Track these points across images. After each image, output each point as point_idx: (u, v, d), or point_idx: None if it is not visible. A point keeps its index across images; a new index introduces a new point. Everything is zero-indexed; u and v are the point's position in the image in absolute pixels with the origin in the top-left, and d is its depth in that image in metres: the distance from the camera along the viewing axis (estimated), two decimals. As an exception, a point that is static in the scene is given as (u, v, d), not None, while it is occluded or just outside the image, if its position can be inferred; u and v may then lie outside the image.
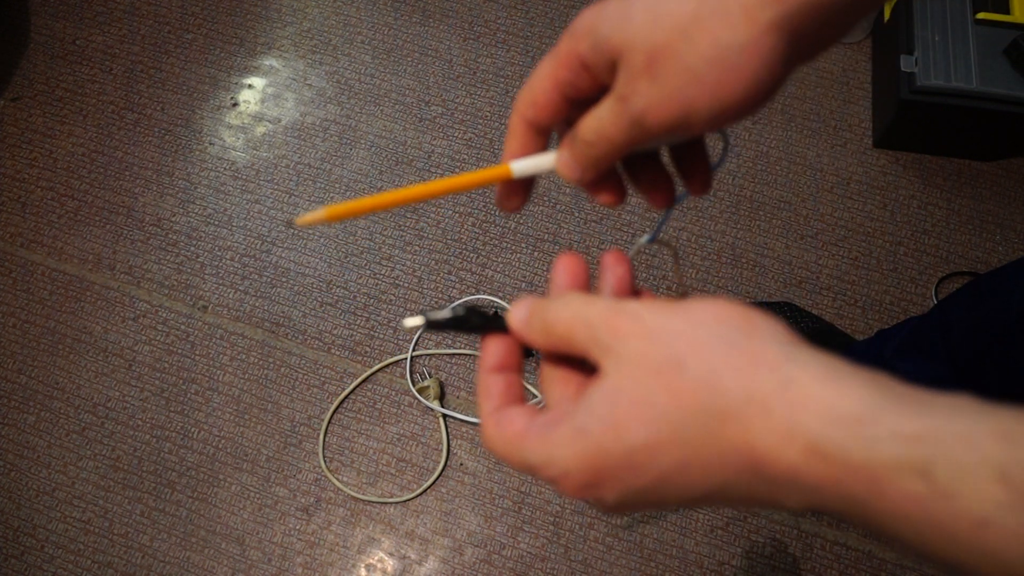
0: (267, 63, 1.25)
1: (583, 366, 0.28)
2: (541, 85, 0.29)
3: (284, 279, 1.12)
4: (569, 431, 0.25)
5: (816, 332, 0.99)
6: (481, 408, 0.30)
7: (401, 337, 1.08)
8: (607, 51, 0.27)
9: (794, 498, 0.22)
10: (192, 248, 1.14)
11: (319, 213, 0.28)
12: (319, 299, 1.10)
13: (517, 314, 0.30)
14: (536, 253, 1.12)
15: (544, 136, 0.31)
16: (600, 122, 0.28)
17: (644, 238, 0.35)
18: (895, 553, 0.96)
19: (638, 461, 0.23)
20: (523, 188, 0.33)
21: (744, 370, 0.22)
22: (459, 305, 0.32)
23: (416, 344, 1.07)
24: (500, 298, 1.09)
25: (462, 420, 1.02)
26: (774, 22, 0.24)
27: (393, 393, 1.05)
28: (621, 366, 0.24)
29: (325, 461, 1.02)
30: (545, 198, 1.15)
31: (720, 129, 0.31)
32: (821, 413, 0.21)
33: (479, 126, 1.20)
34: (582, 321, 0.26)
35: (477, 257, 1.12)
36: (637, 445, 0.23)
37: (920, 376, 0.80)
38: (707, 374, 0.23)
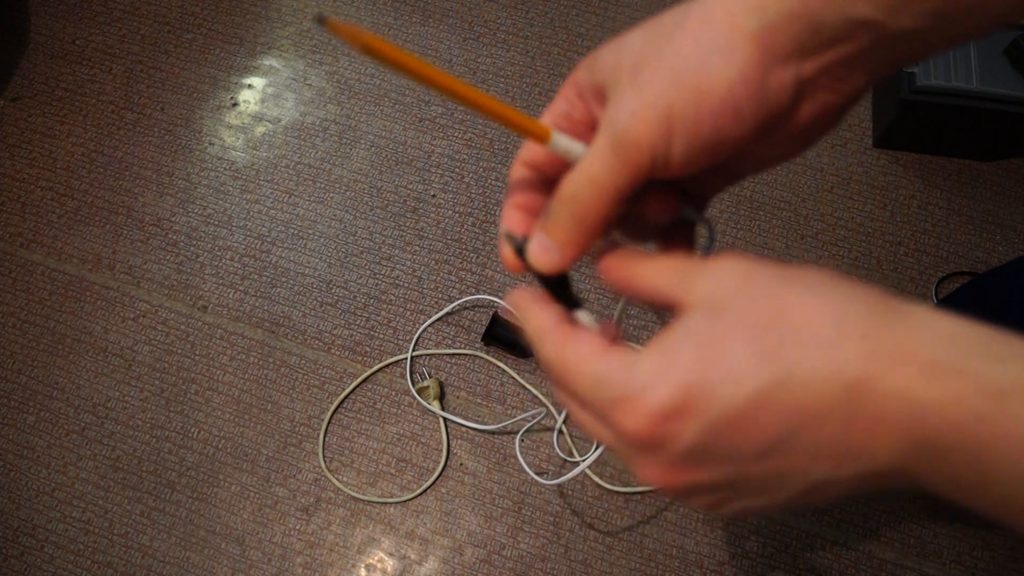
0: (267, 63, 1.25)
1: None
2: (543, 120, 0.29)
3: (284, 279, 1.12)
4: (656, 353, 0.23)
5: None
6: (539, 317, 0.28)
7: (401, 337, 1.08)
8: (600, 72, 0.26)
9: (893, 437, 0.20)
10: (192, 248, 1.14)
11: (356, 29, 0.22)
12: (319, 299, 1.10)
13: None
14: (536, 253, 1.12)
15: (548, 187, 0.29)
16: (579, 166, 0.26)
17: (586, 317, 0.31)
18: (891, 554, 0.96)
19: (726, 385, 0.22)
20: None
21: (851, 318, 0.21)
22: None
23: (416, 344, 1.07)
24: (500, 298, 1.09)
25: (460, 424, 1.02)
26: (755, 32, 0.23)
27: (393, 393, 1.05)
28: (722, 297, 0.23)
29: (325, 461, 1.02)
30: (545, 198, 1.15)
31: (702, 216, 0.30)
32: (941, 334, 0.19)
33: (479, 126, 1.20)
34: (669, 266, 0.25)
35: (477, 257, 1.12)
36: (735, 368, 0.22)
37: None
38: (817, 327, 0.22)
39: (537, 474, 1.00)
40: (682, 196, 0.30)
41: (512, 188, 0.30)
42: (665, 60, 0.24)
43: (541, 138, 0.27)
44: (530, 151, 0.30)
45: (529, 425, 1.01)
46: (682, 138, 0.24)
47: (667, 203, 0.28)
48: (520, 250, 0.29)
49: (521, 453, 1.00)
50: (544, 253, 0.27)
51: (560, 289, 0.30)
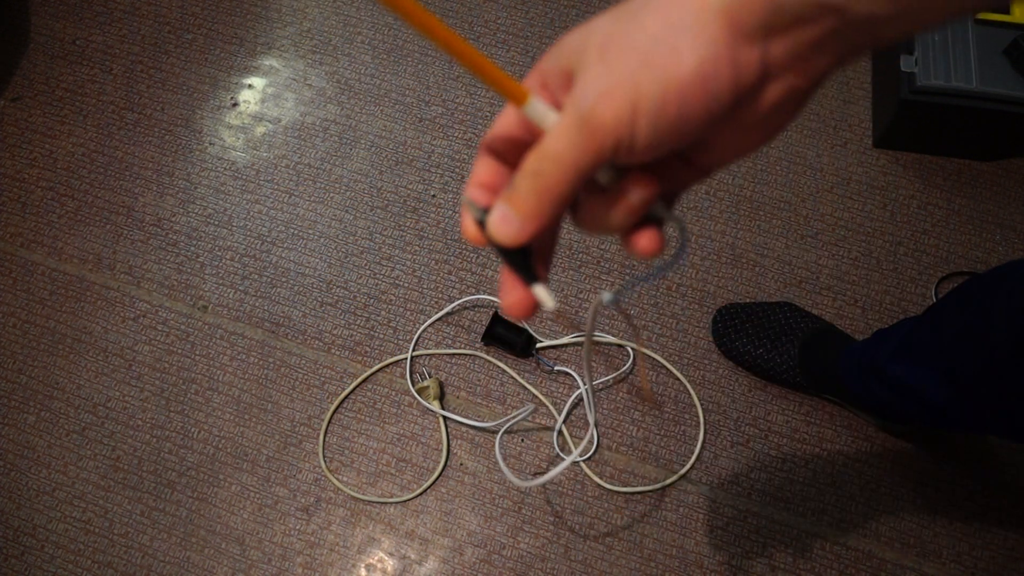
0: (267, 63, 1.25)
1: None
2: (503, 115, 0.29)
3: (284, 279, 1.12)
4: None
5: (816, 332, 0.99)
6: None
7: (401, 337, 1.08)
8: (566, 55, 0.26)
9: None
10: (192, 248, 1.14)
11: None
12: (319, 299, 1.10)
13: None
14: (536, 253, 1.12)
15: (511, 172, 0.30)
16: (544, 141, 0.26)
17: (606, 296, 0.31)
18: (892, 554, 0.96)
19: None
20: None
21: None
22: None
23: (416, 344, 1.07)
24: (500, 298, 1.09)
25: (461, 422, 1.02)
26: (722, 9, 0.24)
27: (393, 393, 1.05)
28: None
29: (325, 461, 1.02)
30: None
31: (671, 212, 0.29)
32: None
33: (479, 126, 1.20)
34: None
35: (477, 257, 1.12)
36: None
37: (910, 381, 0.80)
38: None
39: (536, 474, 1.00)
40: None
41: (480, 157, 0.30)
42: (632, 40, 0.24)
43: (519, 100, 0.26)
44: (504, 123, 0.30)
45: (514, 421, 1.01)
46: (648, 119, 0.24)
47: (646, 185, 0.28)
48: (481, 222, 0.29)
49: (505, 453, 1.00)
50: (504, 224, 0.27)
51: (520, 262, 0.30)
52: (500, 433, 1.01)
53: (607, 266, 1.11)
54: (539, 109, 0.27)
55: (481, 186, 0.30)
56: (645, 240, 0.29)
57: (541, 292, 0.30)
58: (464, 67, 0.26)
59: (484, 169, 0.30)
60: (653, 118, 0.24)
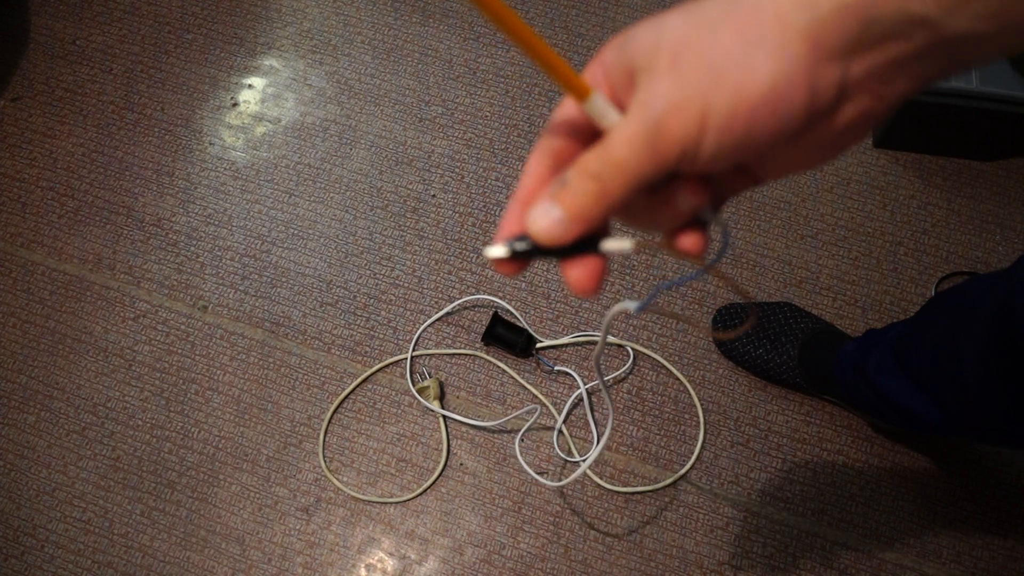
0: (267, 63, 1.25)
1: None
2: (561, 108, 0.28)
3: (284, 279, 1.12)
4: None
5: (816, 332, 0.99)
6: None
7: (401, 337, 1.08)
8: (634, 53, 0.25)
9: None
10: (192, 248, 1.14)
11: None
12: (319, 299, 1.10)
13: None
14: (536, 253, 1.12)
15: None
16: (607, 146, 0.25)
17: (631, 305, 0.30)
18: (891, 554, 0.96)
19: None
20: (525, 263, 0.29)
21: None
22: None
23: (416, 344, 1.07)
24: (500, 298, 1.09)
25: (461, 421, 1.02)
26: (805, 28, 0.23)
27: (393, 393, 1.05)
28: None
29: (325, 461, 1.02)
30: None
31: (716, 216, 0.29)
32: None
33: (479, 126, 1.20)
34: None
35: (477, 257, 1.12)
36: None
37: (897, 396, 0.80)
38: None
39: (538, 474, 1.00)
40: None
41: (536, 152, 0.29)
42: (706, 51, 0.24)
43: (581, 94, 0.26)
44: (564, 112, 0.29)
45: (528, 424, 1.01)
46: (715, 135, 0.24)
47: (697, 193, 0.27)
48: (517, 252, 0.28)
49: (521, 453, 1.00)
50: (548, 221, 0.26)
51: (564, 250, 0.28)
52: (519, 435, 1.01)
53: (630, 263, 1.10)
54: (600, 105, 0.26)
55: (538, 179, 0.29)
56: (689, 241, 0.28)
57: (612, 244, 0.28)
58: (529, 58, 0.25)
59: (539, 163, 0.29)
60: (720, 135, 0.24)
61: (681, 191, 0.27)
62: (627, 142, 0.25)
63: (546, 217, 0.27)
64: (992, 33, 0.21)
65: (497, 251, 0.28)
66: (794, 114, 0.24)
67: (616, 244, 0.28)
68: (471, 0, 0.23)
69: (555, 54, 0.25)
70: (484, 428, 1.02)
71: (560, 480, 0.99)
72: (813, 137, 0.25)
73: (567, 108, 0.29)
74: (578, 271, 0.28)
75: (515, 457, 1.01)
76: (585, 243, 0.28)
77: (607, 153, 0.25)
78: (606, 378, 1.05)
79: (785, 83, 0.23)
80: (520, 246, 0.28)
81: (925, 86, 0.24)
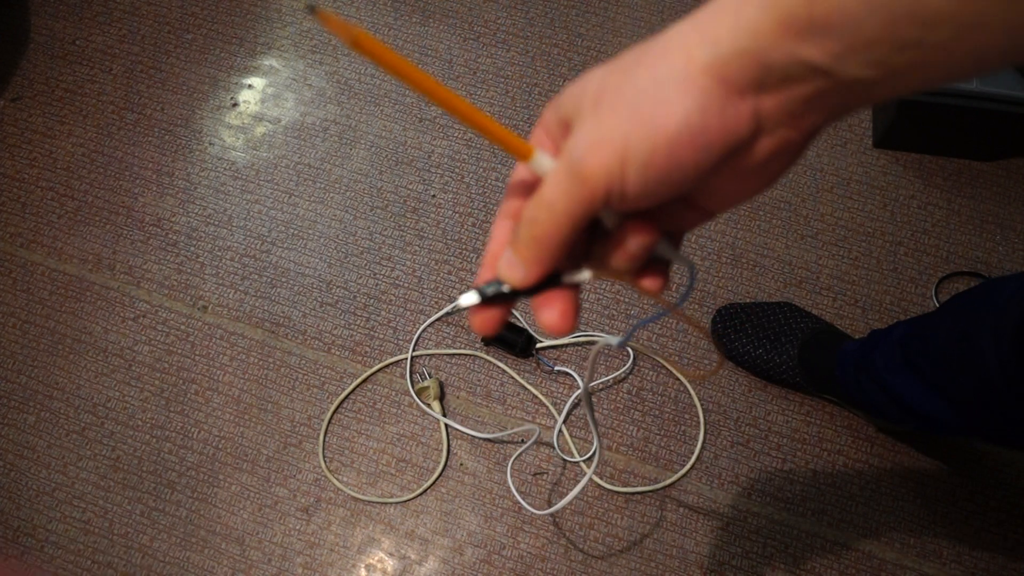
0: (267, 63, 1.25)
1: None
2: (516, 172, 0.31)
3: (284, 279, 1.12)
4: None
5: (816, 332, 0.99)
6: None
7: (401, 337, 1.08)
8: (565, 107, 0.27)
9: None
10: (192, 248, 1.14)
11: (348, 25, 0.23)
12: (319, 299, 1.10)
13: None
14: (536, 253, 1.12)
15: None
16: (540, 191, 0.27)
17: (612, 340, 0.31)
18: (892, 554, 0.96)
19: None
20: (501, 312, 0.31)
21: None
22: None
23: (416, 344, 1.07)
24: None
25: (459, 429, 1.02)
26: (709, 64, 0.24)
27: (393, 393, 1.05)
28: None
29: (325, 461, 1.02)
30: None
31: (677, 253, 0.30)
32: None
33: (479, 126, 1.20)
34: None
35: (477, 257, 1.12)
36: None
37: (903, 392, 0.80)
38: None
39: (537, 474, 1.00)
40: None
41: (499, 220, 0.32)
42: (623, 92, 0.25)
43: (524, 155, 0.28)
44: (517, 175, 0.31)
45: (525, 447, 1.01)
46: (636, 169, 0.25)
47: (644, 232, 0.28)
48: (487, 296, 0.30)
49: (505, 453, 1.00)
50: (510, 269, 0.29)
51: (537, 288, 0.31)
52: (511, 461, 1.01)
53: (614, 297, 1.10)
54: (544, 162, 0.28)
55: (501, 242, 0.31)
56: (648, 281, 0.30)
57: (570, 276, 0.30)
58: (473, 130, 0.27)
59: (501, 227, 0.31)
60: (642, 168, 0.25)
61: (628, 232, 0.28)
62: (555, 184, 0.26)
63: (507, 265, 0.29)
64: (882, 77, 0.23)
65: (469, 297, 0.30)
66: (712, 145, 0.25)
67: (575, 275, 0.30)
68: (417, 89, 0.25)
69: (497, 124, 0.27)
70: (482, 439, 1.02)
71: (549, 507, 0.99)
72: (742, 167, 0.26)
73: (520, 171, 0.31)
74: (549, 313, 0.30)
75: (518, 460, 1.01)
76: (549, 280, 0.30)
77: (539, 197, 0.27)
78: (606, 378, 1.05)
79: (699, 115, 0.24)
80: (489, 290, 0.30)
81: (837, 118, 0.26)
